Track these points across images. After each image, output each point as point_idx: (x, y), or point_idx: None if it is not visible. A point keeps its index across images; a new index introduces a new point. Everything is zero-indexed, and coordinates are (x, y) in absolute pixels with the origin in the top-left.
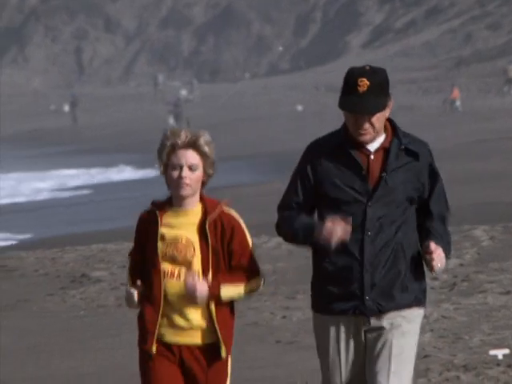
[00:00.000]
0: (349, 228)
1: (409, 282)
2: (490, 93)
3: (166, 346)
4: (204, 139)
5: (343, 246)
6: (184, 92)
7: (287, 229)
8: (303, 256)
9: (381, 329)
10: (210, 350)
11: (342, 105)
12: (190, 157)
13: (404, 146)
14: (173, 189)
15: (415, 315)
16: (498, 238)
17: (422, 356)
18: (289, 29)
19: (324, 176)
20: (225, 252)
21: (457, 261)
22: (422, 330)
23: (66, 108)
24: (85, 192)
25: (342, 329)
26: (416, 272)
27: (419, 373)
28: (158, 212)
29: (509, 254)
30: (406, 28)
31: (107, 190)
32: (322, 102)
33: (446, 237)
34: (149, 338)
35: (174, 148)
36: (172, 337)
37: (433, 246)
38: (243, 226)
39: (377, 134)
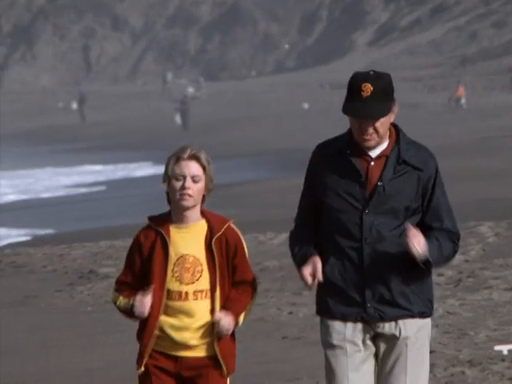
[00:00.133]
0: (319, 274)
1: (412, 291)
2: (495, 90)
3: (165, 357)
4: (205, 155)
5: (343, 253)
6: (191, 90)
7: (290, 249)
8: None
9: (385, 337)
10: (211, 362)
11: (346, 110)
12: (193, 168)
13: (402, 160)
14: (174, 200)
15: (420, 326)
16: (503, 235)
17: None
18: (295, 27)
19: (324, 180)
20: (229, 268)
21: (462, 257)
22: None
23: (74, 105)
24: (94, 189)
25: (347, 332)
26: (420, 281)
27: None
28: (163, 230)
29: None
30: (412, 26)
31: (116, 187)
32: (328, 99)
33: (445, 244)
34: (143, 356)
35: (178, 159)
36: (172, 350)
37: (409, 226)
38: (244, 243)
39: (381, 140)
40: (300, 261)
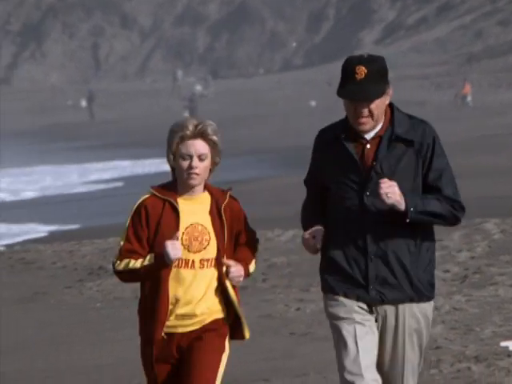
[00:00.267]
0: (320, 239)
1: (414, 275)
2: (501, 88)
3: (168, 335)
4: (212, 128)
5: (347, 236)
6: (199, 87)
7: (301, 217)
8: None
9: (386, 319)
10: (210, 325)
11: (341, 93)
12: (200, 146)
13: (395, 136)
14: (182, 178)
15: (421, 309)
16: (509, 231)
17: (433, 347)
18: (302, 25)
19: (323, 165)
20: (233, 234)
21: (468, 253)
22: (434, 322)
23: (83, 103)
24: (103, 186)
25: (353, 304)
26: (422, 263)
27: (431, 364)
28: (172, 198)
29: None
30: (418, 25)
31: (125, 184)
32: (335, 97)
33: (437, 203)
34: (157, 330)
35: (183, 138)
36: (176, 327)
37: (384, 180)
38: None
39: (376, 123)
40: (305, 227)
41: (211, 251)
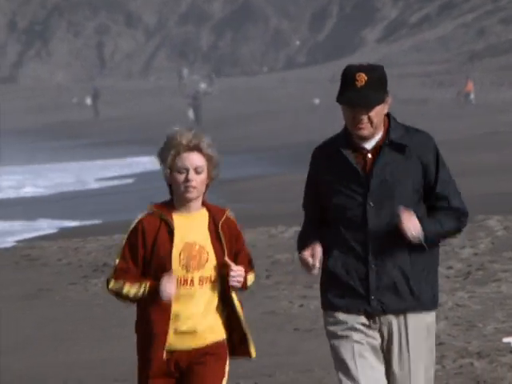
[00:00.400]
0: (319, 257)
1: (417, 284)
2: (503, 86)
3: (168, 354)
4: (206, 142)
5: (348, 247)
6: (203, 85)
7: (297, 247)
8: None
9: (388, 330)
10: (211, 348)
11: (340, 99)
12: (196, 159)
13: (390, 141)
14: (179, 192)
15: (423, 319)
16: None
17: (436, 343)
18: (305, 24)
19: (324, 181)
20: (232, 252)
21: (471, 250)
22: (437, 318)
23: (88, 101)
24: (109, 183)
25: (353, 322)
26: (425, 273)
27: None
28: (167, 217)
29: None
30: (421, 23)
31: (131, 182)
32: (336, 93)
33: (445, 221)
34: (159, 349)
35: (179, 152)
36: (176, 344)
37: (402, 209)
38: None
39: (375, 130)
40: (301, 249)
41: (210, 268)
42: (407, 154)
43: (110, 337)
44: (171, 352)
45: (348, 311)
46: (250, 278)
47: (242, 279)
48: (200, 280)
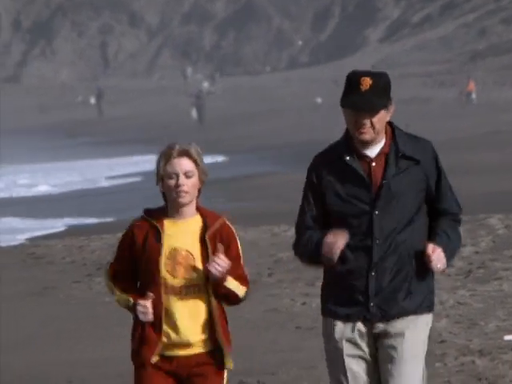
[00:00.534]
0: (346, 239)
1: (415, 288)
2: (505, 86)
3: (163, 358)
4: (195, 149)
5: (351, 254)
6: (206, 84)
7: (302, 252)
8: None
9: (387, 335)
10: (208, 358)
11: (344, 103)
12: (185, 164)
13: (402, 154)
14: (171, 198)
15: (421, 321)
16: None
17: (438, 341)
18: (308, 23)
19: (328, 189)
20: None
21: (472, 248)
22: (438, 316)
23: (92, 100)
24: (114, 182)
25: (349, 333)
26: (423, 277)
27: (435, 357)
28: (157, 222)
29: None
30: (422, 23)
31: (136, 181)
32: (340, 95)
33: (453, 235)
34: (150, 354)
35: (169, 159)
36: (169, 351)
37: (430, 247)
38: (238, 239)
39: (377, 136)
40: (315, 246)
41: (197, 278)
42: (412, 163)
43: (113, 335)
44: (166, 358)
45: (347, 319)
46: (237, 286)
47: (222, 270)
48: (186, 288)
